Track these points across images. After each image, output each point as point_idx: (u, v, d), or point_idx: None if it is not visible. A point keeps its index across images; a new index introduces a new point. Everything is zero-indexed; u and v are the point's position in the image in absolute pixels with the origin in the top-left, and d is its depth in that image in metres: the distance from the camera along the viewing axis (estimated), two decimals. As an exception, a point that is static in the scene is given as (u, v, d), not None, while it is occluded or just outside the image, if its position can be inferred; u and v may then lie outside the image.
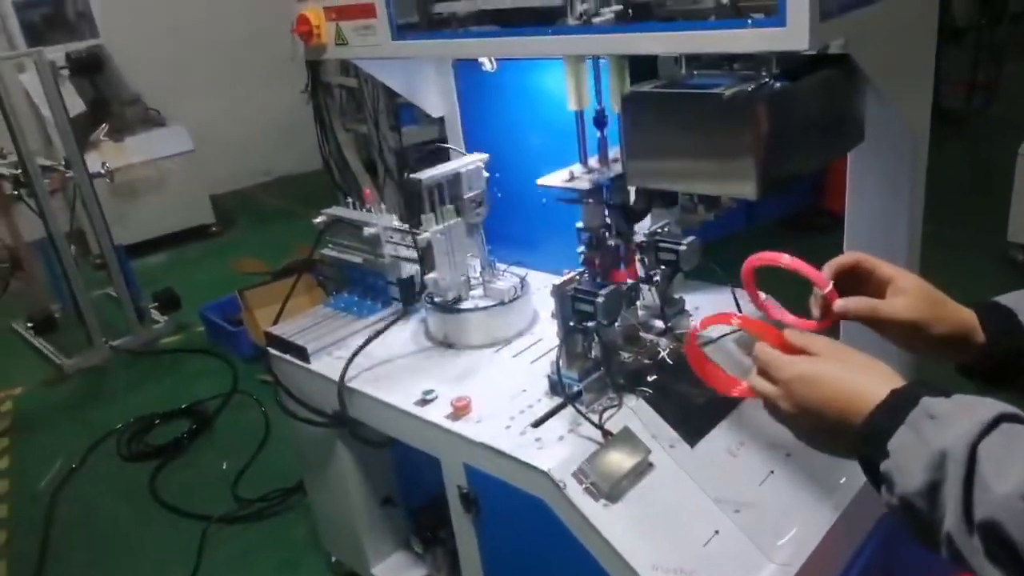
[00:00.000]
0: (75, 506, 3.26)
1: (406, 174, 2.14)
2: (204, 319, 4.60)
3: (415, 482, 2.38)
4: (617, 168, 1.80)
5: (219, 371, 4.21)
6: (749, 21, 1.31)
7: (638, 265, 1.93)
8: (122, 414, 3.85)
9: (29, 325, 4.79)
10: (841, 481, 1.83)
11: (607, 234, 1.87)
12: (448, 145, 2.46)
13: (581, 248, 1.90)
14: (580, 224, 1.88)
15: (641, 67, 1.66)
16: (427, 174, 2.08)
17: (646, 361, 1.84)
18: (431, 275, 2.09)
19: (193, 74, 7.21)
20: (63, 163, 4.41)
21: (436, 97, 2.50)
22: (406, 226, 2.14)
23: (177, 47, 7.09)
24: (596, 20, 1.54)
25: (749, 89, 1.35)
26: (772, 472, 1.77)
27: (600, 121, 1.82)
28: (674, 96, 1.47)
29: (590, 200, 1.82)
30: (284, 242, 5.71)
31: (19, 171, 4.29)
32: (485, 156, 2.21)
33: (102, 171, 4.58)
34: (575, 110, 1.81)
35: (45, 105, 4.78)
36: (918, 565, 2.04)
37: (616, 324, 1.78)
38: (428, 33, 1.88)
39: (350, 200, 2.37)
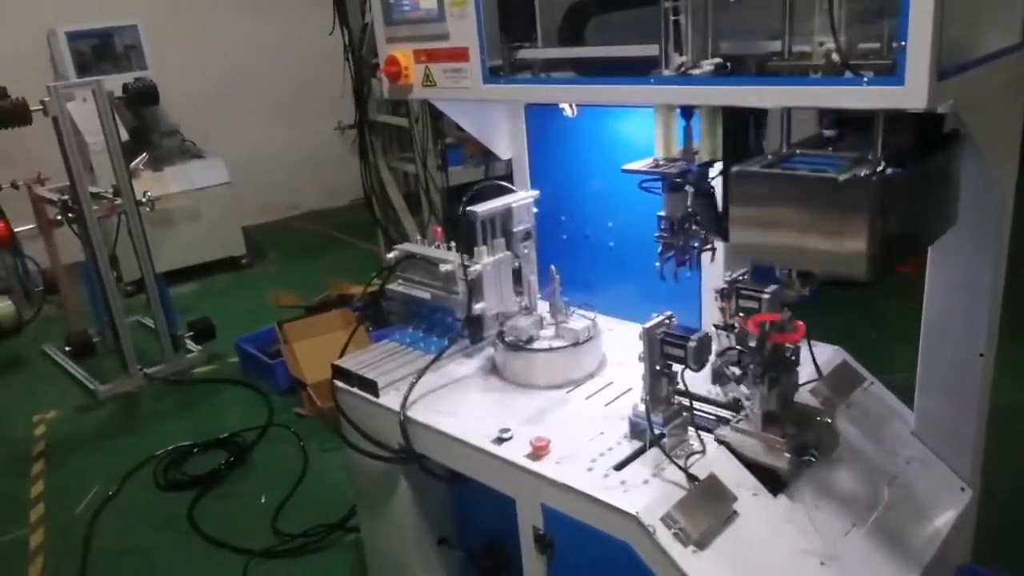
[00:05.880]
0: (113, 534, 3.23)
1: (462, 208, 2.19)
2: (239, 350, 4.60)
3: (473, 523, 2.36)
4: (700, 159, 1.78)
5: (253, 403, 4.21)
6: (865, 79, 1.34)
7: (718, 311, 1.94)
8: (156, 442, 3.85)
9: (67, 349, 4.79)
10: (922, 536, 1.82)
11: (689, 224, 1.84)
12: (502, 183, 2.48)
13: (659, 233, 1.88)
14: (662, 212, 1.86)
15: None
16: (483, 207, 2.17)
17: (809, 435, 1.75)
18: (479, 305, 2.16)
19: (230, 108, 7.36)
20: (110, 190, 4.46)
21: (507, 139, 2.54)
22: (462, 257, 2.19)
23: (216, 82, 7.25)
24: (695, 72, 1.58)
25: (862, 174, 1.38)
26: (854, 526, 1.76)
27: (687, 112, 1.78)
28: (785, 177, 1.49)
29: (675, 187, 1.80)
30: (312, 276, 5.75)
31: (66, 197, 4.36)
32: (535, 193, 2.29)
33: (144, 200, 4.63)
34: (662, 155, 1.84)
35: (91, 133, 4.88)
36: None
37: (775, 391, 1.74)
38: (519, 78, 1.92)
39: (419, 237, 2.40)
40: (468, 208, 2.11)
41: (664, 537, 1.57)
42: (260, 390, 4.30)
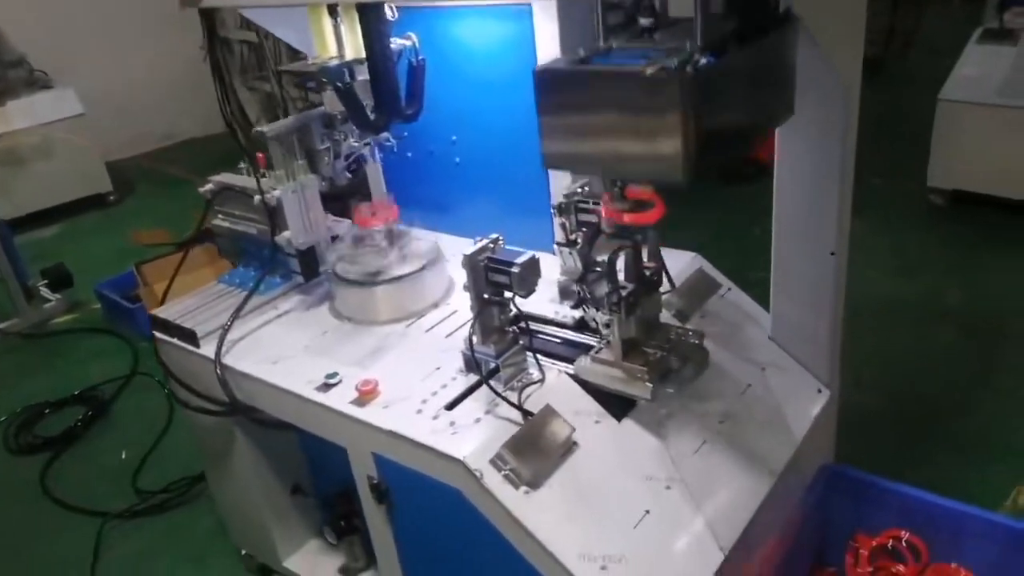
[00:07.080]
0: (-43, 507, 2.97)
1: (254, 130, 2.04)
2: (100, 296, 4.27)
3: (327, 469, 2.21)
4: (348, 56, 1.85)
5: (117, 352, 3.91)
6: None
7: (558, 228, 1.79)
8: (9, 403, 3.53)
9: None
10: (777, 442, 1.75)
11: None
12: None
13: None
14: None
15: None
16: (272, 126, 1.97)
17: (673, 359, 1.64)
18: (285, 235, 1.97)
19: (84, 32, 6.65)
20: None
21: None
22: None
23: (65, 2, 6.52)
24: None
25: (673, 65, 1.19)
26: (705, 442, 1.68)
27: (333, 10, 1.82)
28: (591, 74, 1.28)
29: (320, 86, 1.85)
30: (189, 211, 5.36)
31: None
32: (321, 109, 2.02)
33: (-21, 138, 4.17)
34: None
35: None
36: (852, 519, 2.01)
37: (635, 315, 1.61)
38: (313, -28, 1.66)
39: (243, 165, 2.15)
40: (255, 128, 1.88)
41: (493, 481, 1.44)
42: (125, 338, 3.99)
